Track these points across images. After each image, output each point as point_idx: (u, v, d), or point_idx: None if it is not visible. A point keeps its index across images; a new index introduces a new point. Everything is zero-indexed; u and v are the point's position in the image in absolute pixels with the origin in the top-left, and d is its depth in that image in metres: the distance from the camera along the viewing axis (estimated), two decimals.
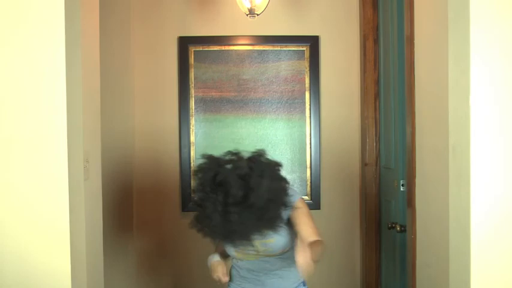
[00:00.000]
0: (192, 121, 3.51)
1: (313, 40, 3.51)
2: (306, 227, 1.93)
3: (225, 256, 2.26)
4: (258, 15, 3.12)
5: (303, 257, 1.67)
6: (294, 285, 2.22)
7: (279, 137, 3.54)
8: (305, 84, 3.53)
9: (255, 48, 3.53)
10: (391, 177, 2.98)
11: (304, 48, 3.53)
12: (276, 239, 2.04)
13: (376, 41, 3.32)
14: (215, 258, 2.22)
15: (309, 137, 3.54)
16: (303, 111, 3.53)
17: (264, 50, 3.53)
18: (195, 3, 3.51)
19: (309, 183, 3.53)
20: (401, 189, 2.70)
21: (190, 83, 3.49)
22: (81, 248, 1.95)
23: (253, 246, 1.95)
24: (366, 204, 3.38)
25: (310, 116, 3.52)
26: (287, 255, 2.12)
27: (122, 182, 3.45)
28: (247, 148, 1.94)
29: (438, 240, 1.99)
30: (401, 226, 2.62)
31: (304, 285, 2.26)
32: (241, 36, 3.51)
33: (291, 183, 2.02)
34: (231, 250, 2.14)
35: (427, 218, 2.17)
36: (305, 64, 3.53)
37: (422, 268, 2.24)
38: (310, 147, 3.53)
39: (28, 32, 1.75)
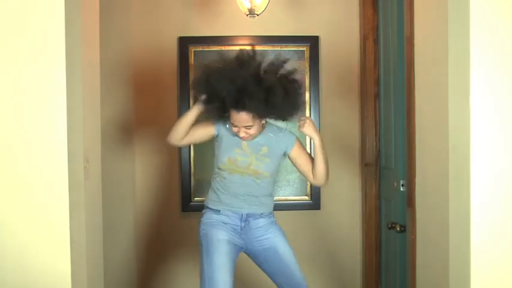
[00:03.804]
0: None
1: (313, 40, 3.51)
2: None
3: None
4: (258, 15, 3.12)
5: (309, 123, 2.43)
6: (269, 218, 2.41)
7: None
8: (305, 84, 3.52)
9: (255, 48, 3.51)
10: (391, 177, 2.98)
11: (304, 48, 3.52)
12: (270, 161, 2.38)
13: (376, 41, 3.31)
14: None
15: (309, 137, 3.52)
16: (303, 111, 3.52)
17: (264, 50, 3.52)
18: (195, 3, 3.51)
19: (308, 183, 3.52)
20: (401, 189, 2.70)
21: (190, 83, 3.49)
22: (81, 248, 1.95)
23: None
24: (366, 204, 3.38)
25: (310, 116, 3.51)
26: (268, 182, 2.40)
27: (121, 182, 3.45)
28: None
29: (438, 240, 1.99)
30: (401, 226, 2.62)
31: (275, 223, 2.44)
32: (241, 36, 3.51)
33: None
34: (223, 157, 2.37)
35: (427, 218, 2.17)
36: (305, 64, 3.53)
37: (422, 268, 2.24)
38: (310, 147, 3.52)
39: (28, 32, 1.75)
